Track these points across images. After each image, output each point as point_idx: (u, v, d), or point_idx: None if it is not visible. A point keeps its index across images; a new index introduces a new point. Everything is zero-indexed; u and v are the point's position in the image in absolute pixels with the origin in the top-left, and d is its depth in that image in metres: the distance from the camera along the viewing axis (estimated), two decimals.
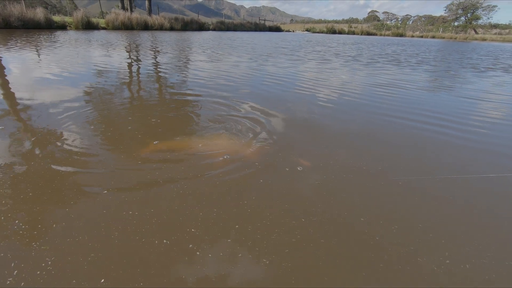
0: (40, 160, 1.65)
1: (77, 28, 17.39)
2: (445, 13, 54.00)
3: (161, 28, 21.66)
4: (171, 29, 22.54)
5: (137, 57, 6.64)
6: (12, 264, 0.97)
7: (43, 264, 0.97)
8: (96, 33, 14.41)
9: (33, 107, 2.64)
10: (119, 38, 11.77)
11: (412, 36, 41.04)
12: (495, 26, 50.41)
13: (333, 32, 39.43)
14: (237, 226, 1.19)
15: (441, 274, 1.02)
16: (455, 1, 50.34)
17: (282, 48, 10.83)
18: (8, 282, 0.91)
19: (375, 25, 53.63)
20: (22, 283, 0.91)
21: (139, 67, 5.28)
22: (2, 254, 1.01)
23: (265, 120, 2.49)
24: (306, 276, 0.98)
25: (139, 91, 3.48)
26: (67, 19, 18.34)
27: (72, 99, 2.94)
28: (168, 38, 13.72)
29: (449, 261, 1.08)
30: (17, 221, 1.16)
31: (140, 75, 4.55)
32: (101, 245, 1.06)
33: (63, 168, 1.56)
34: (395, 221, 1.28)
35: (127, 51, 7.56)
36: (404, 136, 2.31)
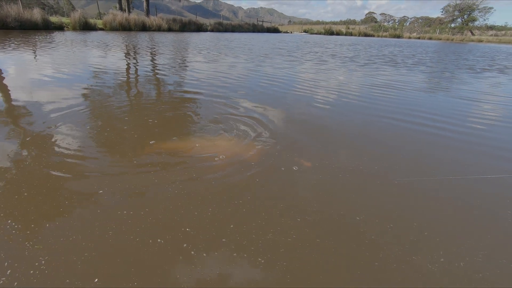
0: (35, 160, 1.64)
1: (74, 29, 17.33)
2: (441, 14, 54.33)
3: (159, 29, 21.63)
4: (169, 30, 22.51)
5: (134, 58, 6.63)
6: (6, 264, 0.97)
7: (37, 264, 0.97)
8: (93, 34, 14.38)
9: (28, 107, 2.63)
10: (117, 39, 11.75)
11: (409, 38, 41.24)
12: (491, 27, 50.78)
13: (331, 33, 39.56)
14: (232, 226, 1.18)
15: (435, 272, 1.03)
16: (451, 3, 50.69)
17: (280, 49, 10.85)
18: (1, 281, 0.91)
19: (372, 26, 53.87)
20: (16, 283, 0.90)
21: (136, 68, 5.27)
22: None
23: (262, 120, 2.49)
24: (301, 276, 0.98)
25: (137, 92, 3.48)
26: (65, 20, 18.28)
27: (69, 99, 2.92)
28: (166, 39, 13.71)
29: (444, 259, 1.09)
30: (9, 221, 1.15)
31: (137, 76, 4.55)
32: (95, 244, 1.05)
33: (58, 168, 1.56)
34: (391, 220, 1.28)
35: (125, 52, 7.55)
36: (400, 136, 2.32)
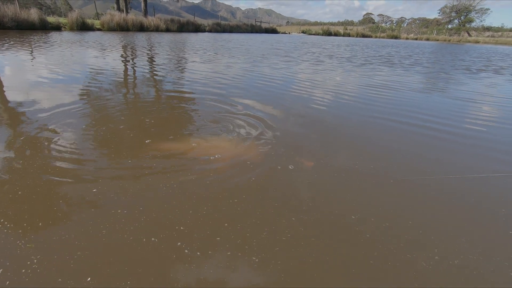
0: (29, 159, 1.63)
1: (71, 29, 17.27)
2: (439, 15, 54.63)
3: (156, 29, 21.60)
4: (167, 30, 22.48)
5: (132, 58, 6.62)
6: None
7: (29, 263, 0.96)
8: (91, 34, 14.33)
9: (23, 107, 2.61)
10: (114, 39, 11.71)
11: (407, 38, 41.40)
12: (488, 28, 51.10)
13: (329, 34, 39.65)
14: (226, 225, 1.18)
15: (430, 270, 1.03)
16: (448, 4, 50.98)
17: (277, 50, 10.86)
18: None
19: (370, 27, 54.04)
20: (7, 282, 0.89)
21: (134, 68, 5.26)
22: None
23: (258, 120, 2.49)
24: (296, 275, 0.97)
25: (133, 92, 3.47)
26: (62, 20, 18.22)
27: (64, 99, 2.91)
28: (163, 39, 13.69)
29: (438, 257, 1.09)
30: (2, 220, 1.14)
31: (134, 76, 4.53)
32: (88, 243, 1.05)
33: (52, 168, 1.55)
34: (386, 219, 1.28)
35: (122, 52, 7.53)
36: (396, 137, 2.32)
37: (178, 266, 0.97)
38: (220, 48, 10.47)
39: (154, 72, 4.85)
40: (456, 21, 50.25)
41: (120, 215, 1.19)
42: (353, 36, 39.97)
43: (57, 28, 17.11)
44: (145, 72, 4.82)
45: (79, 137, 1.96)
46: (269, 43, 15.42)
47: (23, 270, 0.93)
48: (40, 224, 1.13)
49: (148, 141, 1.95)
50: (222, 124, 2.34)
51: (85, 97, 3.06)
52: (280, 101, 3.23)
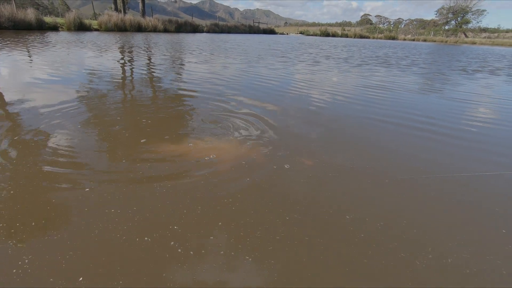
0: (22, 158, 1.62)
1: (69, 29, 17.20)
2: (436, 17, 54.89)
3: (154, 30, 21.55)
4: (165, 31, 22.44)
5: (129, 58, 6.60)
6: None
7: (20, 263, 0.95)
8: (88, 35, 14.29)
9: (19, 107, 2.60)
10: (112, 40, 11.68)
11: (404, 39, 41.56)
12: (484, 30, 51.39)
13: (327, 35, 39.73)
14: (220, 224, 1.18)
15: (424, 268, 1.03)
16: (445, 5, 51.25)
17: (275, 50, 10.87)
18: None
19: (368, 28, 54.23)
20: None
21: (130, 68, 5.24)
22: None
23: (254, 120, 2.49)
24: (289, 273, 0.97)
25: (130, 92, 3.46)
26: (59, 20, 18.15)
27: (60, 99, 2.90)
28: (161, 40, 13.67)
29: (432, 256, 1.09)
30: None
31: (131, 76, 4.52)
32: (81, 243, 1.04)
33: (45, 167, 1.54)
34: (381, 218, 1.28)
35: (120, 53, 7.51)
36: (391, 137, 2.33)
37: (171, 266, 0.97)
38: (217, 48, 10.46)
39: (151, 72, 4.84)
40: (453, 22, 50.52)
41: (113, 214, 1.19)
42: (350, 37, 40.08)
43: (54, 28, 17.04)
44: (142, 72, 4.81)
45: (74, 137, 1.95)
46: (266, 43, 15.43)
47: (14, 270, 0.92)
48: (32, 223, 1.13)
49: (144, 140, 1.94)
50: (218, 124, 2.33)
51: (80, 97, 3.04)
52: (276, 101, 3.23)
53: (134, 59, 6.38)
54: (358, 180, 1.60)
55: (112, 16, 19.30)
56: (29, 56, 5.85)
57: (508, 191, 1.57)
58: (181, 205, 1.28)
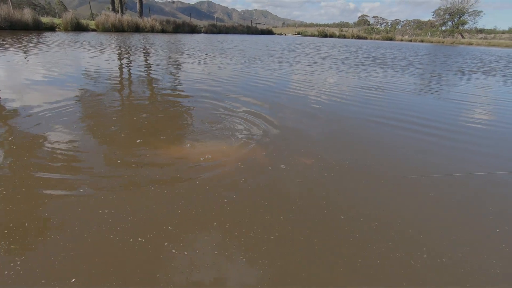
0: (16, 159, 1.61)
1: (66, 30, 17.13)
2: (433, 18, 55.17)
3: (152, 30, 21.50)
4: (163, 31, 22.40)
5: (126, 58, 6.58)
6: None
7: (12, 264, 0.94)
8: (85, 35, 14.23)
9: (14, 107, 2.58)
10: (109, 40, 11.65)
11: (402, 40, 41.72)
12: (481, 30, 51.73)
13: (324, 35, 39.80)
14: (215, 224, 1.17)
15: (418, 268, 1.03)
16: (442, 6, 51.53)
17: (272, 51, 10.88)
18: None
19: (365, 29, 54.42)
20: None
21: (128, 69, 5.23)
22: None
23: (250, 121, 2.49)
24: (283, 273, 0.97)
25: (128, 92, 3.44)
26: (56, 20, 18.06)
27: (56, 100, 2.88)
28: (159, 40, 13.65)
29: (427, 255, 1.09)
30: None
31: (129, 77, 4.51)
32: (74, 244, 1.03)
33: (38, 167, 1.53)
34: (376, 218, 1.28)
35: (116, 53, 7.49)
36: (387, 137, 2.34)
37: (165, 266, 0.96)
38: (215, 49, 10.45)
39: (150, 73, 4.83)
40: (449, 23, 50.80)
41: (107, 215, 1.18)
42: (348, 37, 40.19)
43: (51, 28, 16.96)
44: (139, 73, 4.79)
45: (68, 137, 1.94)
46: (264, 44, 15.44)
47: (6, 272, 0.92)
48: (25, 224, 1.12)
49: (139, 141, 1.93)
50: (214, 124, 2.33)
51: (76, 97, 3.03)
52: (273, 102, 3.23)
53: (133, 60, 6.37)
54: (353, 180, 1.60)
55: (109, 16, 19.24)
56: (25, 57, 5.82)
57: (501, 191, 1.58)
58: (176, 205, 1.27)
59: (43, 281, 0.90)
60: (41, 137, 1.92)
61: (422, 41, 40.76)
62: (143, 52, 7.93)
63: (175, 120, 2.44)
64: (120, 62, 5.91)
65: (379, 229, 1.21)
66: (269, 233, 1.14)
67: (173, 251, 1.02)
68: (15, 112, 2.44)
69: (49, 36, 11.97)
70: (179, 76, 4.65)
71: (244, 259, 1.01)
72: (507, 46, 34.45)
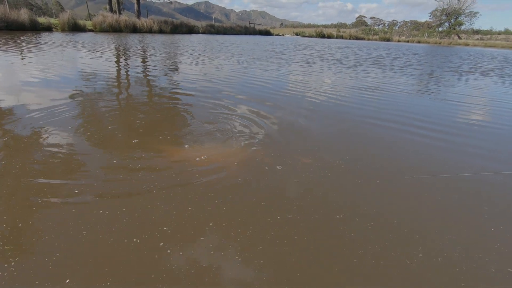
0: (10, 159, 1.60)
1: (63, 30, 17.05)
2: (430, 18, 55.50)
3: (150, 30, 21.45)
4: (160, 32, 22.35)
5: (124, 59, 6.56)
6: None
7: (6, 265, 0.94)
8: (82, 35, 14.18)
9: (10, 108, 2.56)
10: (107, 41, 11.61)
11: (399, 41, 41.89)
12: (477, 31, 52.11)
13: (322, 36, 39.87)
14: (211, 224, 1.17)
15: (414, 267, 1.03)
16: (439, 7, 51.84)
17: (270, 52, 10.89)
18: None
19: (363, 29, 54.58)
20: None
21: (126, 70, 5.21)
22: None
23: (247, 121, 2.49)
24: (278, 273, 0.97)
25: (124, 92, 3.43)
26: (53, 20, 17.97)
27: (53, 100, 2.87)
28: (156, 40, 13.62)
29: (422, 255, 1.10)
30: None
31: (126, 77, 4.49)
32: (68, 244, 1.03)
33: (33, 168, 1.52)
34: (371, 218, 1.29)
35: (114, 54, 7.46)
36: (383, 137, 2.34)
37: (159, 267, 0.96)
38: (213, 50, 10.45)
39: (148, 74, 4.81)
40: (446, 24, 51.11)
41: (101, 215, 1.18)
42: (346, 38, 40.30)
43: (48, 29, 16.87)
44: (138, 73, 4.78)
45: (63, 138, 1.93)
46: (262, 45, 15.45)
47: (0, 273, 0.91)
48: (19, 225, 1.11)
49: (135, 141, 1.93)
50: (211, 125, 2.33)
51: (73, 98, 3.02)
52: (269, 102, 3.23)
53: (130, 60, 6.35)
54: (349, 180, 1.60)
55: (107, 16, 19.17)
56: (21, 57, 5.79)
57: (496, 191, 1.59)
58: (171, 206, 1.27)
59: (37, 282, 0.89)
60: (35, 138, 1.91)
61: (419, 42, 40.95)
62: (140, 53, 7.91)
63: (171, 120, 2.44)
64: (117, 63, 5.89)
65: (374, 229, 1.22)
66: (265, 233, 1.14)
67: (168, 251, 1.02)
68: (11, 112, 2.43)
69: (46, 37, 11.92)
70: (177, 77, 4.64)
71: (239, 259, 1.01)
72: (502, 46, 34.70)
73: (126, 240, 1.06)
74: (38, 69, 4.54)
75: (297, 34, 43.46)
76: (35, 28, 16.11)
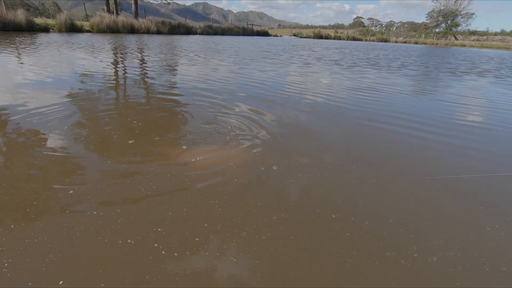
0: (5, 160, 1.58)
1: (60, 31, 16.98)
2: (427, 20, 55.87)
3: (147, 31, 21.41)
4: (158, 32, 22.31)
5: (121, 60, 6.54)
6: None
7: None
8: (80, 36, 14.13)
9: (6, 108, 2.55)
10: (104, 41, 11.58)
11: (396, 42, 42.07)
12: (474, 32, 52.46)
13: (320, 37, 39.98)
14: (206, 225, 1.17)
15: (409, 267, 1.03)
16: (435, 8, 52.16)
17: (267, 52, 10.90)
18: None
19: (360, 30, 54.81)
20: None
21: (123, 70, 5.19)
22: None
23: (244, 122, 2.48)
24: (273, 273, 0.97)
25: (121, 93, 3.42)
26: (50, 21, 17.89)
27: (50, 101, 2.85)
28: (154, 41, 13.60)
29: (417, 255, 1.10)
30: None
31: (123, 78, 4.48)
32: (61, 245, 1.02)
33: (27, 168, 1.51)
34: (367, 218, 1.29)
35: (111, 54, 7.44)
36: (379, 138, 2.35)
37: (154, 268, 0.95)
38: (210, 50, 10.45)
39: (145, 74, 4.80)
40: (443, 25, 51.42)
41: (95, 216, 1.17)
42: (343, 39, 40.42)
43: (45, 29, 16.80)
44: (134, 74, 4.77)
45: (59, 138, 1.92)
46: (259, 45, 15.46)
47: None
48: (12, 226, 1.10)
49: (131, 142, 1.92)
50: (208, 125, 2.32)
51: (68, 99, 3.00)
52: (267, 103, 3.23)
53: (128, 61, 6.33)
54: (346, 180, 1.60)
55: (104, 17, 19.12)
56: (18, 58, 5.76)
57: (490, 191, 1.60)
58: (166, 207, 1.27)
59: (30, 283, 0.88)
60: (31, 138, 1.90)
61: (416, 42, 41.16)
62: (138, 53, 7.90)
63: (169, 121, 2.43)
64: (114, 64, 5.87)
65: (369, 229, 1.21)
66: (261, 233, 1.14)
67: (163, 252, 1.02)
68: (7, 112, 2.41)
69: (42, 37, 11.87)
70: (175, 77, 4.63)
71: (235, 260, 1.00)
72: (499, 47, 34.94)
73: (120, 241, 1.05)
74: (34, 71, 4.51)
75: (295, 35, 43.54)
76: (32, 29, 16.03)
